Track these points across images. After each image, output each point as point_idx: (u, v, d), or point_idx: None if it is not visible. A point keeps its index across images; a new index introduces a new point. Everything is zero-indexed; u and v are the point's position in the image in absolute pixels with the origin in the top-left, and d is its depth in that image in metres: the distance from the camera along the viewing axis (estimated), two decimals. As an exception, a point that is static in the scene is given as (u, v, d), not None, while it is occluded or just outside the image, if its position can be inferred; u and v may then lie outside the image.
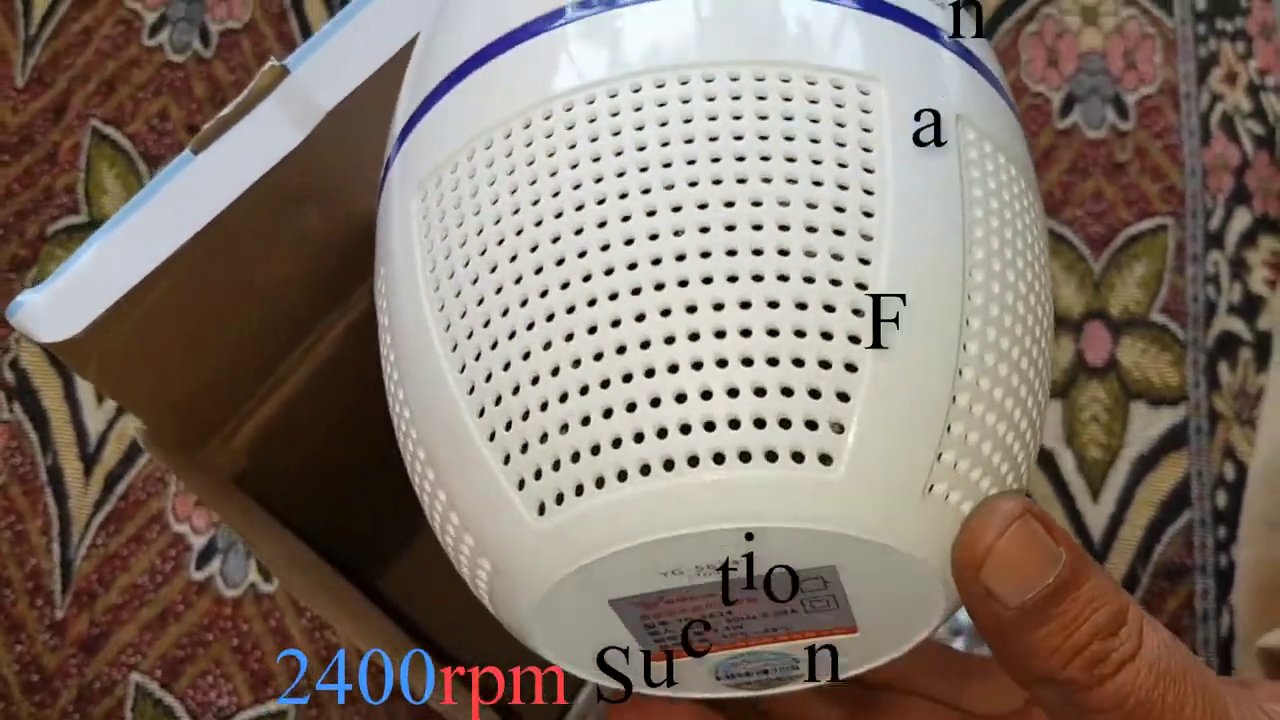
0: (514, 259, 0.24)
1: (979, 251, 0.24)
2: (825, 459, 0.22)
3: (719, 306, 0.22)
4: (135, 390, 0.39)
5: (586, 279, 0.23)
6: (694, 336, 0.22)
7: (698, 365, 0.22)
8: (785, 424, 0.22)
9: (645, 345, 0.22)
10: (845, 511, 0.22)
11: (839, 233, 0.23)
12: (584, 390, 0.22)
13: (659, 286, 0.22)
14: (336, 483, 0.51)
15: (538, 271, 0.23)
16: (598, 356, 0.22)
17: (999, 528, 0.23)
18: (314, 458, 0.49)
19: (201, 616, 0.66)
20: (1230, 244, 0.69)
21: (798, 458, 0.22)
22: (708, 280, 0.22)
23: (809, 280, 0.22)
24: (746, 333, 0.22)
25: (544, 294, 0.23)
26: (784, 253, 0.23)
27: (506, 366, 0.23)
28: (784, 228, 0.23)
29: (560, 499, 0.22)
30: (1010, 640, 0.24)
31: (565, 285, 0.23)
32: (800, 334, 0.22)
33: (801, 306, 0.22)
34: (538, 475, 0.23)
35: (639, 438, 0.22)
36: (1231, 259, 0.69)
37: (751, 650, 0.27)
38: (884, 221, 0.23)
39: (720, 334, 0.22)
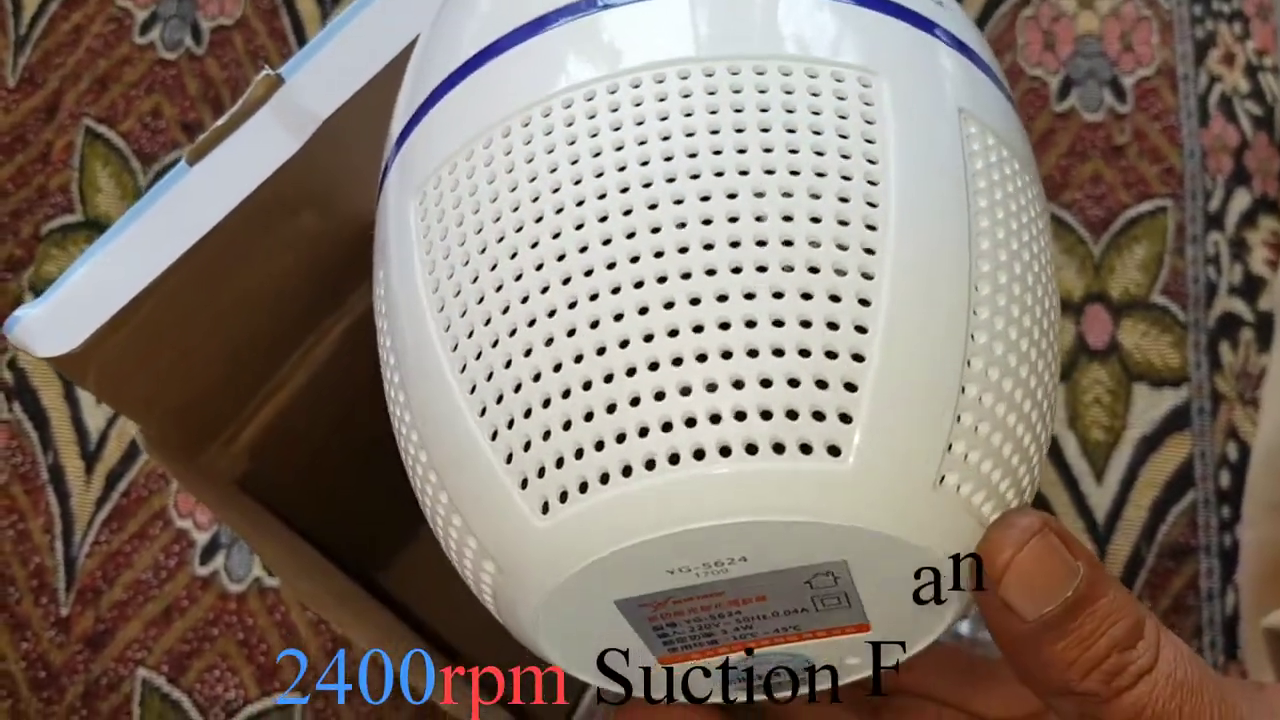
0: (514, 255, 0.23)
1: (984, 242, 0.24)
2: (833, 450, 0.22)
3: (722, 298, 0.22)
4: (134, 397, 0.39)
5: (589, 274, 0.23)
6: (698, 329, 0.22)
7: (702, 357, 0.22)
8: (792, 415, 0.21)
9: (649, 339, 0.22)
10: (855, 504, 0.22)
11: (843, 223, 0.23)
12: (587, 385, 0.22)
13: (662, 279, 0.22)
14: (338, 482, 0.51)
15: (539, 268, 0.23)
16: (601, 351, 0.22)
17: (1017, 542, 0.23)
18: (315, 458, 0.49)
19: (206, 611, 0.66)
20: (1230, 225, 0.69)
21: (805, 449, 0.21)
22: (711, 272, 0.22)
23: (814, 271, 0.22)
24: (751, 324, 0.22)
25: (545, 290, 0.23)
26: (788, 243, 0.22)
27: (508, 364, 0.23)
28: (787, 218, 0.23)
29: (564, 497, 0.22)
30: (1028, 653, 0.24)
31: (567, 280, 0.23)
32: (806, 324, 0.22)
33: (807, 296, 0.22)
34: (541, 473, 0.22)
35: (644, 432, 0.22)
36: (1231, 240, 0.69)
37: (762, 651, 0.26)
38: (888, 212, 0.23)
39: (725, 325, 0.22)
